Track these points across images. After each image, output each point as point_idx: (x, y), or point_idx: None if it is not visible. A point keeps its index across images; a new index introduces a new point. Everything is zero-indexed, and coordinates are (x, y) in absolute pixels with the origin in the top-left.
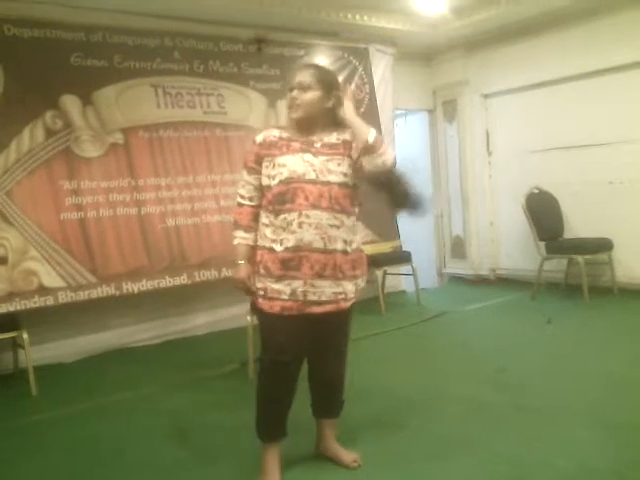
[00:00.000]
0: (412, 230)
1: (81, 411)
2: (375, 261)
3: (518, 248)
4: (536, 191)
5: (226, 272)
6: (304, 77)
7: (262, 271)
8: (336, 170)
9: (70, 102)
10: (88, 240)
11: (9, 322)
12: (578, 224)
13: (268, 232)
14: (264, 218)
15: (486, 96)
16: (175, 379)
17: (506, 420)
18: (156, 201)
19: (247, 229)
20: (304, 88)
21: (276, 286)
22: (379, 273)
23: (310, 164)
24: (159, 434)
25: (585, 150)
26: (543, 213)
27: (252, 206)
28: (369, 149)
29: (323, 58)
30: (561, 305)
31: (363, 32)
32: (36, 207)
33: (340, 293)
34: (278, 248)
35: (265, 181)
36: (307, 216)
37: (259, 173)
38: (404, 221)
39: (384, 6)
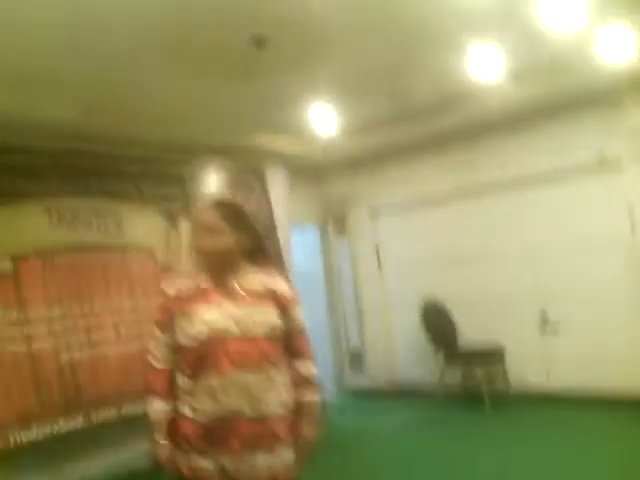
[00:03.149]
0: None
1: None
2: None
3: (414, 358)
4: (429, 302)
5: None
6: (211, 219)
7: (185, 445)
8: (263, 322)
9: None
10: None
11: None
12: (470, 332)
13: (188, 399)
14: (182, 382)
15: (374, 212)
16: None
17: None
18: (49, 334)
19: (165, 397)
20: (214, 232)
21: (202, 463)
22: None
23: (232, 317)
24: None
25: (472, 262)
26: (437, 324)
27: (167, 369)
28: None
29: (221, 177)
30: (465, 418)
31: (260, 152)
32: None
33: (277, 465)
34: (200, 418)
35: (182, 340)
36: (232, 379)
37: (172, 331)
38: None
39: (279, 128)
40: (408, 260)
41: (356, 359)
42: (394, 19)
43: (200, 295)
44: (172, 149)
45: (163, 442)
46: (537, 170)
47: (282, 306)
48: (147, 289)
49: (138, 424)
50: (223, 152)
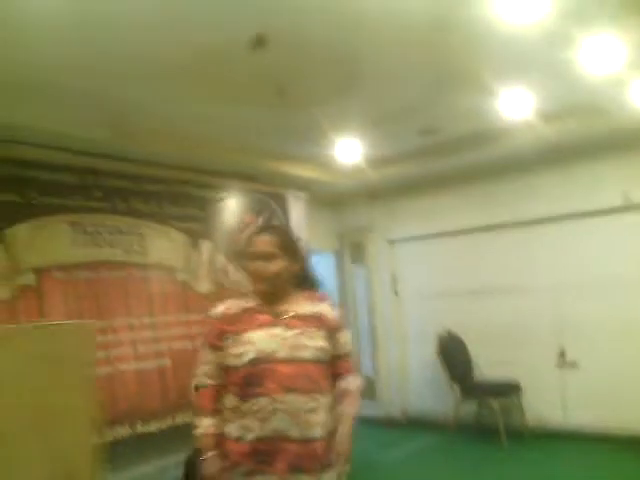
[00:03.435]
0: None
1: None
2: None
3: (428, 389)
4: (445, 333)
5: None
6: (266, 246)
7: (228, 464)
8: (311, 345)
9: None
10: None
11: None
12: (486, 365)
13: (235, 419)
14: (229, 402)
15: (391, 242)
16: None
17: None
18: None
19: (212, 414)
20: (268, 258)
21: None
22: None
23: (281, 339)
24: None
25: (488, 295)
26: (453, 356)
27: (213, 386)
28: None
29: (242, 199)
30: (480, 451)
31: (281, 178)
32: None
33: None
34: (247, 438)
35: (230, 361)
36: (280, 401)
37: (222, 350)
38: None
39: (302, 156)
40: (425, 290)
41: (369, 387)
42: (429, 59)
43: (249, 317)
44: (196, 171)
45: (212, 455)
46: (562, 208)
47: (329, 330)
48: (166, 308)
49: (151, 442)
50: (245, 176)
